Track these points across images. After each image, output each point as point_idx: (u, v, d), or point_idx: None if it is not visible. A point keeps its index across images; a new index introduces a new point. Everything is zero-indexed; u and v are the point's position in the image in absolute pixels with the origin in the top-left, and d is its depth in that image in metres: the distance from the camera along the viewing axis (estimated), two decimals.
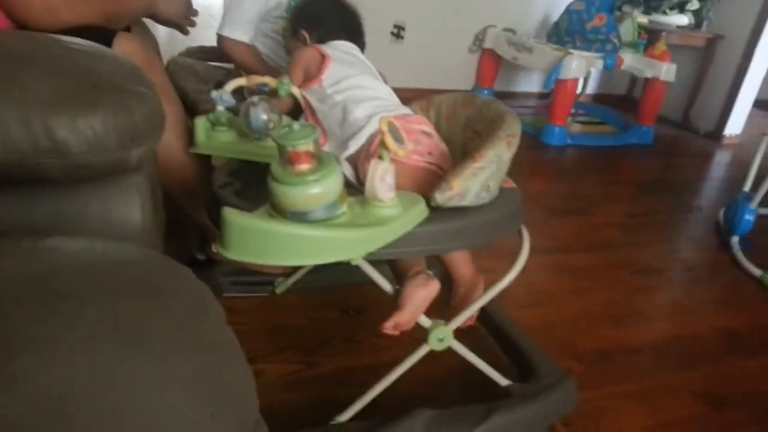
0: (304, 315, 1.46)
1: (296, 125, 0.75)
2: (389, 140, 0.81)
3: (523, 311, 1.57)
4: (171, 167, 1.21)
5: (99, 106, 0.59)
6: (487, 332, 1.39)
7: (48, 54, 0.63)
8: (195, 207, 1.36)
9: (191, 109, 1.46)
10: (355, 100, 1.11)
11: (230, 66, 1.76)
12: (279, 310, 1.46)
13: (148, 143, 0.66)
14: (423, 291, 1.02)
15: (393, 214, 0.83)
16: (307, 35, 1.34)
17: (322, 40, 1.30)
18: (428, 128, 1.10)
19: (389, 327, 1.01)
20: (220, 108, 1.15)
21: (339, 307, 1.50)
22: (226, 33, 1.58)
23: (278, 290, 1.49)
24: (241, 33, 1.58)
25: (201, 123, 1.15)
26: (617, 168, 3.06)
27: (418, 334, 1.06)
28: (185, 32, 1.48)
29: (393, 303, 1.02)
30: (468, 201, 0.94)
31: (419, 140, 1.04)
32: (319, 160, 0.76)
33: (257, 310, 1.44)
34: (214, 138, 1.16)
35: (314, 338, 1.38)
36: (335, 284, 1.51)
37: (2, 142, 0.55)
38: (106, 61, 0.66)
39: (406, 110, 1.15)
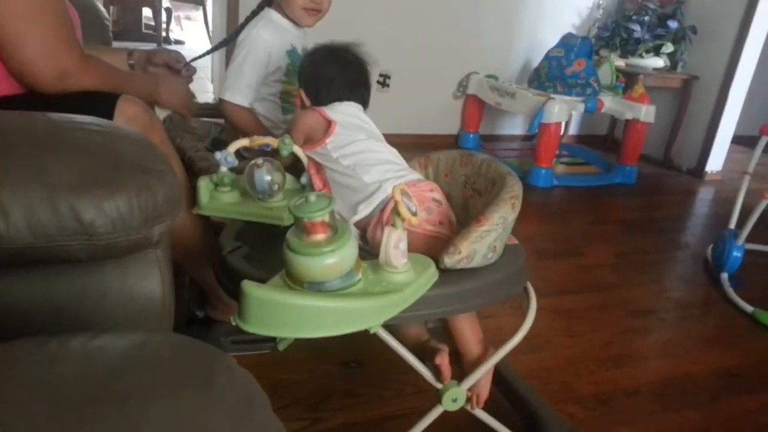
0: (305, 369, 1.45)
1: (312, 196, 0.75)
2: (403, 209, 0.82)
3: (521, 357, 1.58)
4: (174, 228, 1.22)
5: (122, 188, 0.61)
6: (493, 386, 1.39)
7: (70, 136, 0.65)
8: (196, 267, 1.37)
9: (188, 166, 1.48)
10: (364, 164, 1.11)
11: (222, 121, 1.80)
12: (279, 365, 1.45)
13: (168, 219, 0.68)
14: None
15: (407, 280, 0.83)
16: (308, 95, 1.30)
17: (323, 100, 1.27)
18: (438, 195, 1.11)
19: (438, 361, 1.04)
20: (224, 169, 1.14)
21: (339, 359, 1.50)
22: (227, 97, 1.62)
23: (281, 347, 1.48)
24: (241, 98, 1.62)
25: (204, 184, 1.15)
26: (604, 208, 3.12)
27: (423, 385, 1.07)
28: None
29: (394, 355, 1.03)
30: (476, 263, 0.96)
31: (431, 208, 1.06)
32: (334, 229, 0.76)
33: (258, 367, 1.42)
34: (217, 199, 1.15)
35: (317, 393, 1.38)
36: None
37: (30, 225, 0.57)
38: (123, 141, 0.68)
39: (415, 175, 1.15)
